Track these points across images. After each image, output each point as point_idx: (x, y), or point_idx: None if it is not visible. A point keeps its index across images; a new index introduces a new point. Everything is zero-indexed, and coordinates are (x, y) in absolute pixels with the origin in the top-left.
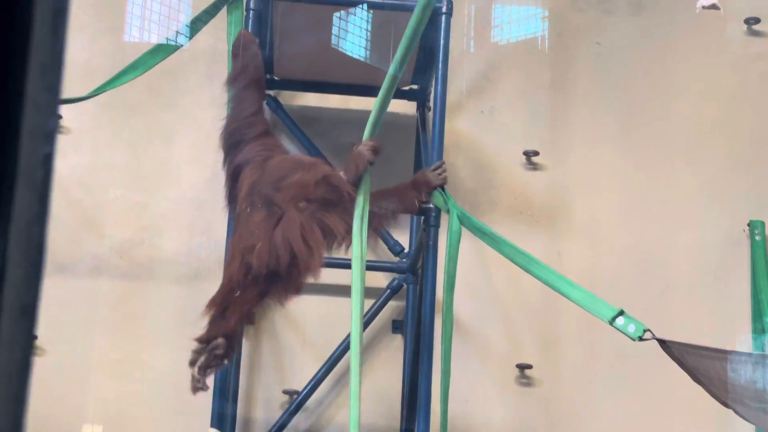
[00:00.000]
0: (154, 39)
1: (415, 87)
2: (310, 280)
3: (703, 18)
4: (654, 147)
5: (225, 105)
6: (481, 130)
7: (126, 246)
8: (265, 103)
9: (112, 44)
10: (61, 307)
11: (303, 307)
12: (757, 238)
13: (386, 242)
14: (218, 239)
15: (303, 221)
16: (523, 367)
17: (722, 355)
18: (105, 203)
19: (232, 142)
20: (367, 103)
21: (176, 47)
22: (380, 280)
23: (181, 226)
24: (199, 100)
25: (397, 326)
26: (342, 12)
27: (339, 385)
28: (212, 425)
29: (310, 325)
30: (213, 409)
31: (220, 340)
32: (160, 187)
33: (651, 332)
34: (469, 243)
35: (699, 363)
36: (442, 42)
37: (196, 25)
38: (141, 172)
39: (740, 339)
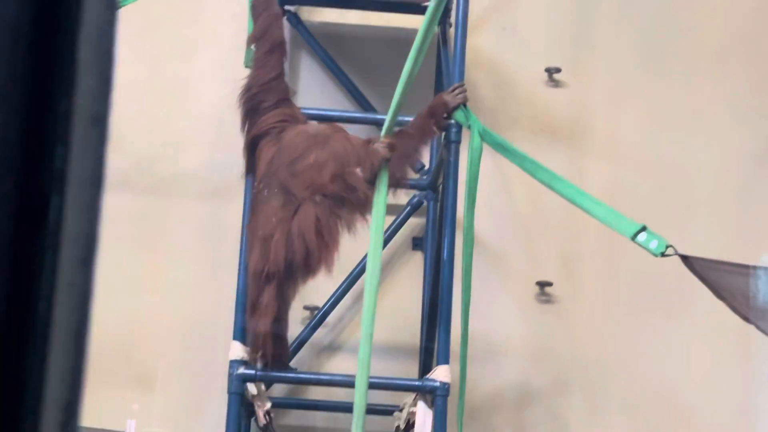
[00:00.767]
0: None
1: None
2: (324, 272)
3: None
4: (677, 63)
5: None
6: (502, 48)
7: (148, 162)
8: (285, 66)
9: None
10: None
11: None
12: None
13: None
14: (238, 156)
15: (319, 215)
16: (543, 285)
17: (745, 270)
18: (126, 119)
19: (250, 107)
20: (387, 19)
21: None
22: (401, 197)
23: (202, 142)
24: (220, 15)
25: (417, 243)
26: None
27: (360, 301)
28: (235, 338)
29: None
30: (236, 323)
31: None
32: (181, 103)
33: (673, 248)
34: (490, 160)
35: (722, 278)
36: None
37: None
38: (162, 88)
39: (763, 257)
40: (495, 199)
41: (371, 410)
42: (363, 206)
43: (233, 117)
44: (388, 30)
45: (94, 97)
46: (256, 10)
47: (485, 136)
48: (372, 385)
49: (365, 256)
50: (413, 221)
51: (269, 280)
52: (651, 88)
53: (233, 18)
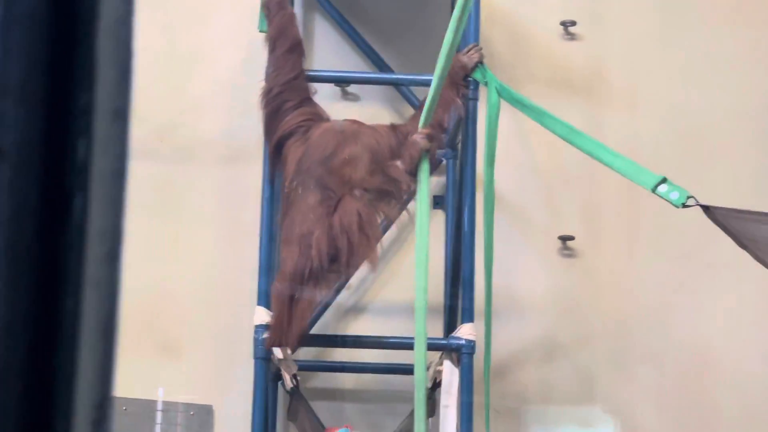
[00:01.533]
0: None
1: None
2: (367, 269)
3: None
4: (694, 10)
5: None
6: (516, 2)
7: (165, 129)
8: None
9: None
10: None
11: None
12: None
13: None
14: (256, 121)
15: (360, 210)
16: (565, 239)
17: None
18: (143, 87)
19: (273, 108)
20: None
21: None
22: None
23: (220, 108)
24: None
25: (438, 202)
26: None
27: (382, 262)
28: (259, 303)
29: None
30: (260, 288)
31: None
32: (197, 69)
33: (695, 198)
34: (508, 116)
35: (744, 227)
36: None
37: None
38: (177, 54)
39: None
40: (514, 155)
41: (398, 369)
42: (402, 198)
43: (250, 82)
44: None
45: (115, 90)
46: (270, 12)
47: (502, 93)
48: (397, 345)
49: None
50: (433, 180)
51: (311, 278)
52: (668, 37)
53: None
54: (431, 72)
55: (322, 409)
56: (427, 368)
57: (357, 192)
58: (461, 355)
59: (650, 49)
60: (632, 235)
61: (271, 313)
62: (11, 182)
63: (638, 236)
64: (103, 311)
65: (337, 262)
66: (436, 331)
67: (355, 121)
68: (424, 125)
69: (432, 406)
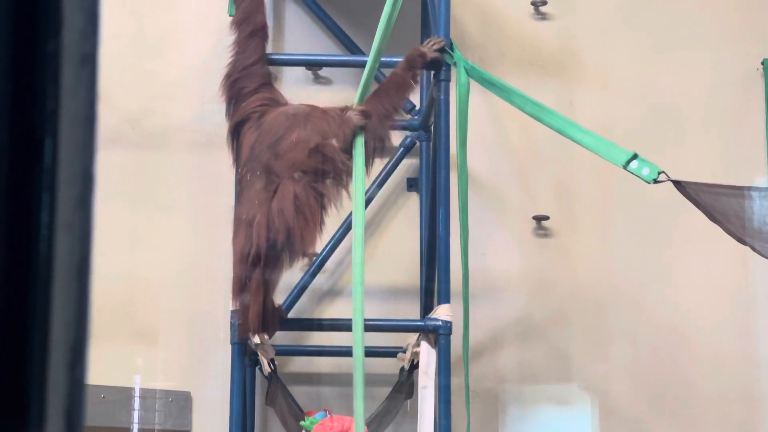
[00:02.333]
0: None
1: None
2: (308, 252)
3: None
4: None
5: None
6: None
7: (137, 116)
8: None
9: None
10: None
11: None
12: None
13: None
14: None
15: (297, 192)
16: (539, 219)
17: (738, 192)
18: (113, 73)
19: (232, 94)
20: None
21: None
22: (393, 138)
23: (191, 93)
24: None
25: (412, 184)
26: None
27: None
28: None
29: None
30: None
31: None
32: (167, 55)
33: (665, 174)
34: (480, 96)
35: (715, 201)
36: None
37: None
38: (147, 40)
39: (756, 180)
40: (487, 135)
41: (375, 353)
42: (341, 177)
43: (221, 67)
44: None
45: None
46: None
47: (472, 73)
48: (374, 328)
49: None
50: (407, 162)
51: (255, 262)
52: (638, 16)
53: None
54: (402, 54)
55: (300, 393)
56: (405, 350)
57: (296, 174)
58: (438, 336)
59: (620, 27)
60: (606, 214)
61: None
62: None
63: (612, 215)
64: (76, 254)
65: (277, 245)
66: (414, 312)
67: (309, 105)
68: (360, 102)
69: (410, 388)
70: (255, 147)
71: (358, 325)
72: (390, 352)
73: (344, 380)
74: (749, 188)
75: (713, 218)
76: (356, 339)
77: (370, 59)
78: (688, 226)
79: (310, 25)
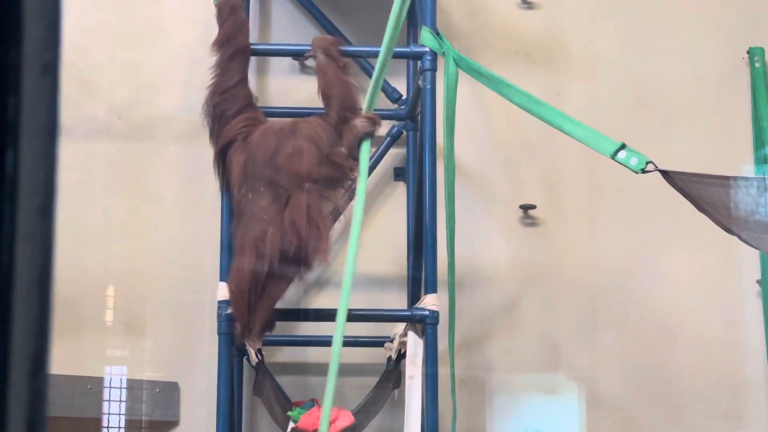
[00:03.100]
0: None
1: None
2: (320, 263)
3: None
4: None
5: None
6: None
7: (124, 106)
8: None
9: None
10: (63, 170)
11: None
12: (757, 65)
13: (384, 90)
14: None
15: (310, 202)
16: (526, 208)
17: (725, 181)
18: (99, 64)
19: (215, 117)
20: None
21: None
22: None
23: (178, 83)
24: None
25: (399, 173)
26: None
27: (347, 233)
28: (222, 279)
29: None
30: (222, 263)
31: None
32: (153, 45)
33: (653, 164)
34: (467, 86)
35: (703, 191)
36: None
37: None
38: (133, 31)
39: (743, 169)
40: (474, 125)
41: (362, 342)
42: (350, 183)
43: (207, 56)
44: None
45: (43, 46)
46: (221, 15)
47: (460, 63)
48: (361, 317)
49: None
50: (393, 152)
51: (268, 277)
52: (625, 5)
53: None
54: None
55: (287, 383)
56: (392, 340)
57: (307, 184)
58: (425, 326)
59: (607, 17)
60: (593, 203)
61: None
62: None
63: (599, 203)
64: (38, 264)
65: (291, 257)
66: (401, 302)
67: (290, 120)
68: (367, 110)
69: (397, 378)
70: (248, 166)
71: (342, 314)
72: (377, 342)
73: None
74: (736, 178)
75: (700, 208)
76: (338, 324)
77: (377, 69)
78: (676, 216)
79: (297, 14)
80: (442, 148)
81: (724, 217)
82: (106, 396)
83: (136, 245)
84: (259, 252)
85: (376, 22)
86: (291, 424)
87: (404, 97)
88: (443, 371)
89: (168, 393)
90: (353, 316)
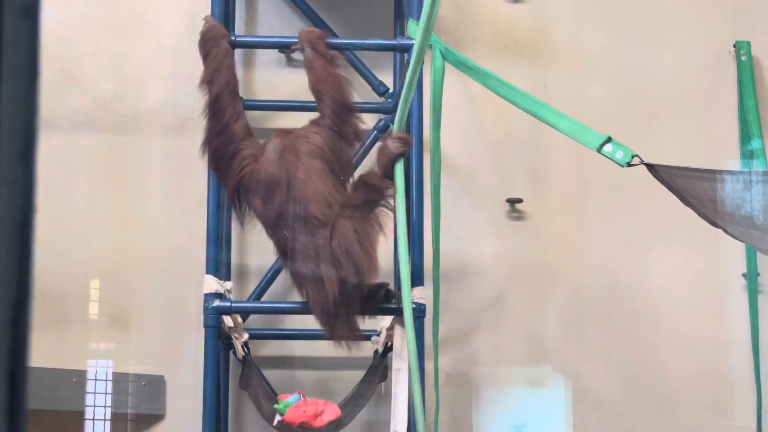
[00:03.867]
0: None
1: None
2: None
3: None
4: None
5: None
6: None
7: (109, 99)
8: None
9: None
10: (48, 163)
11: None
12: (744, 58)
13: (370, 83)
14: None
15: (355, 227)
16: (513, 201)
17: (711, 175)
18: (84, 57)
19: (216, 161)
20: None
21: None
22: (366, 121)
23: (163, 76)
24: None
25: None
26: None
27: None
28: (208, 272)
29: None
30: (208, 256)
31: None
32: (138, 38)
33: (639, 157)
34: (454, 79)
35: (688, 185)
36: None
37: None
38: (118, 23)
39: (729, 163)
40: (461, 118)
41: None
42: (386, 202)
43: (193, 49)
44: None
45: None
46: (204, 47)
47: (447, 56)
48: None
49: None
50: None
51: (338, 303)
52: None
53: None
54: (375, 36)
55: (273, 376)
56: (379, 333)
57: (347, 212)
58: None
59: (594, 10)
60: (580, 197)
61: (221, 282)
62: None
63: (585, 197)
64: (18, 209)
65: (348, 280)
66: None
67: (285, 135)
68: (398, 129)
69: (384, 371)
70: (268, 207)
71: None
72: (364, 335)
73: (318, 363)
74: (722, 171)
75: (686, 201)
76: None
77: (405, 86)
78: (662, 209)
79: (283, 7)
80: (428, 141)
81: (710, 211)
82: (90, 389)
83: (122, 238)
84: (321, 289)
85: (363, 15)
86: (277, 417)
87: (391, 90)
88: (430, 364)
89: (154, 386)
90: None
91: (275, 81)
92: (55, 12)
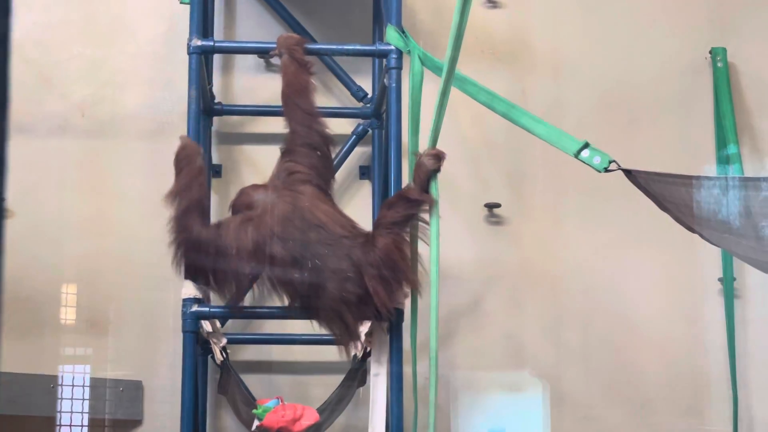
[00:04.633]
0: None
1: None
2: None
3: None
4: None
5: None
6: None
7: (87, 103)
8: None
9: None
10: (26, 168)
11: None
12: (719, 65)
13: (349, 88)
14: (179, 93)
15: (395, 242)
16: (491, 206)
17: (688, 181)
18: (63, 61)
19: (190, 265)
20: None
21: None
22: (345, 126)
23: (142, 80)
24: None
25: (364, 172)
26: None
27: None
28: (186, 277)
29: None
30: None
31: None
32: (117, 42)
33: (616, 163)
34: (433, 84)
35: (665, 190)
36: None
37: None
38: (96, 28)
39: (705, 169)
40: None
41: (328, 340)
42: (422, 216)
43: (171, 54)
44: None
45: None
46: (178, 164)
47: (425, 61)
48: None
49: None
50: (359, 150)
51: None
52: (588, 4)
53: None
54: (354, 41)
55: (252, 381)
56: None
57: (383, 231)
58: (390, 324)
59: (572, 16)
60: (557, 202)
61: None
62: None
63: (563, 202)
64: None
65: (394, 294)
66: None
67: (256, 187)
68: (431, 146)
69: (362, 376)
70: (274, 256)
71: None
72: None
73: (296, 368)
74: (698, 177)
75: (663, 206)
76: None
77: (437, 101)
78: (639, 214)
79: (262, 12)
80: (407, 146)
81: (686, 216)
82: (68, 395)
83: (100, 243)
84: (368, 307)
85: (342, 20)
86: (256, 422)
87: (369, 95)
88: (407, 369)
89: (131, 392)
90: None
91: (254, 86)
92: (33, 15)
